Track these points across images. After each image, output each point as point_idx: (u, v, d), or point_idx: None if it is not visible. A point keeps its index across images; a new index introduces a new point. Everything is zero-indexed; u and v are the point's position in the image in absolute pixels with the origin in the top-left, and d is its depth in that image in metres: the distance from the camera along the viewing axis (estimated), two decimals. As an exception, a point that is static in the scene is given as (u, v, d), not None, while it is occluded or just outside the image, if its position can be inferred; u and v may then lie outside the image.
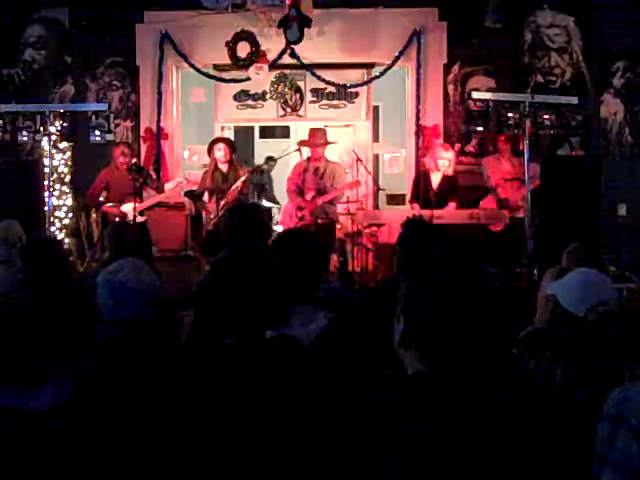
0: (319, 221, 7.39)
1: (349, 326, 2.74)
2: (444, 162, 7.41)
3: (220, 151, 7.57)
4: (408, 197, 7.92)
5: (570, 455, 1.51)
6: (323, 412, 1.73)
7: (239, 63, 8.47)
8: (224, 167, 7.61)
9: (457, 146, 8.44)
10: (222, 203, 7.33)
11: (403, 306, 1.58)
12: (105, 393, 2.17)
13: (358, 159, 7.72)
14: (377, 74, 8.62)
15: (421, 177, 7.59)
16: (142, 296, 2.41)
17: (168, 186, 7.88)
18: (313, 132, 7.73)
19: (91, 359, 2.31)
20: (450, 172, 7.48)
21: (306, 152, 7.80)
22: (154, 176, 8.31)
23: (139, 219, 7.35)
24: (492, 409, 1.46)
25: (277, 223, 7.97)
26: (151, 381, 2.22)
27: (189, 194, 8.22)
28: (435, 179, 7.47)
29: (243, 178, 7.37)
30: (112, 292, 2.39)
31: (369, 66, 8.70)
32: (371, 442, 1.46)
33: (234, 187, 7.34)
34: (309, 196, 7.50)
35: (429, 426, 1.42)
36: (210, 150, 7.69)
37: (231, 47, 8.43)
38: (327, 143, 7.65)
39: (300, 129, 9.09)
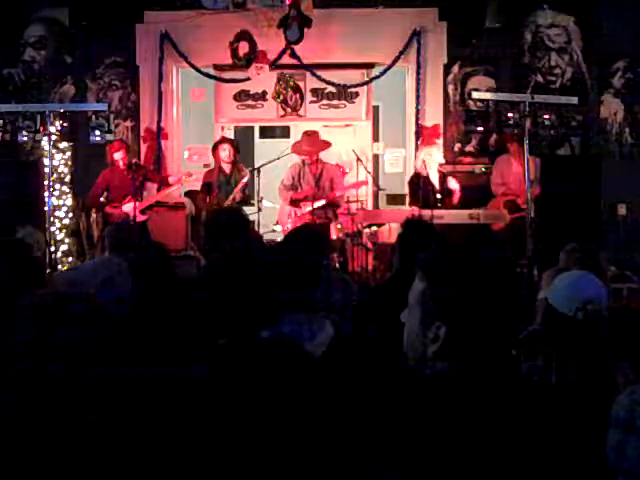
0: (317, 221, 7.39)
1: (356, 332, 2.71)
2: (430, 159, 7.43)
3: (225, 151, 7.60)
4: (408, 200, 7.92)
5: (565, 450, 1.49)
6: (334, 418, 1.72)
7: (239, 63, 8.47)
8: (227, 168, 7.64)
9: (457, 146, 8.44)
10: (227, 203, 7.34)
11: (423, 307, 1.56)
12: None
13: (358, 159, 7.72)
14: (377, 74, 8.62)
15: (419, 178, 7.58)
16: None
17: (172, 179, 7.89)
18: (306, 138, 7.71)
19: None
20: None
21: (305, 152, 7.80)
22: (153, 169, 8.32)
23: (141, 218, 7.36)
24: (497, 408, 1.45)
25: (276, 223, 7.98)
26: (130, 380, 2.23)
27: (189, 194, 8.21)
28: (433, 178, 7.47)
29: (245, 179, 7.45)
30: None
31: (369, 66, 8.69)
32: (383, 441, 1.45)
33: (237, 188, 7.40)
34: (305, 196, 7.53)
35: (449, 424, 1.41)
36: (215, 150, 7.70)
37: (233, 47, 8.42)
38: (320, 149, 7.64)
39: (300, 129, 9.08)
